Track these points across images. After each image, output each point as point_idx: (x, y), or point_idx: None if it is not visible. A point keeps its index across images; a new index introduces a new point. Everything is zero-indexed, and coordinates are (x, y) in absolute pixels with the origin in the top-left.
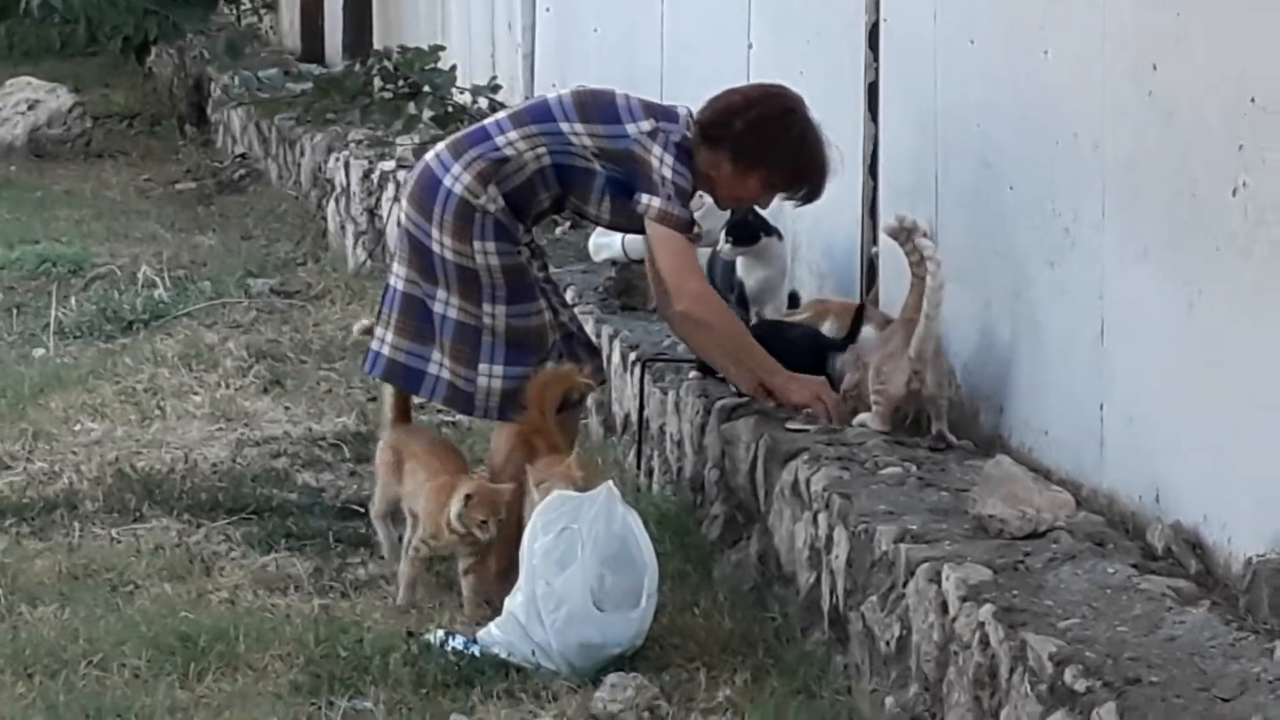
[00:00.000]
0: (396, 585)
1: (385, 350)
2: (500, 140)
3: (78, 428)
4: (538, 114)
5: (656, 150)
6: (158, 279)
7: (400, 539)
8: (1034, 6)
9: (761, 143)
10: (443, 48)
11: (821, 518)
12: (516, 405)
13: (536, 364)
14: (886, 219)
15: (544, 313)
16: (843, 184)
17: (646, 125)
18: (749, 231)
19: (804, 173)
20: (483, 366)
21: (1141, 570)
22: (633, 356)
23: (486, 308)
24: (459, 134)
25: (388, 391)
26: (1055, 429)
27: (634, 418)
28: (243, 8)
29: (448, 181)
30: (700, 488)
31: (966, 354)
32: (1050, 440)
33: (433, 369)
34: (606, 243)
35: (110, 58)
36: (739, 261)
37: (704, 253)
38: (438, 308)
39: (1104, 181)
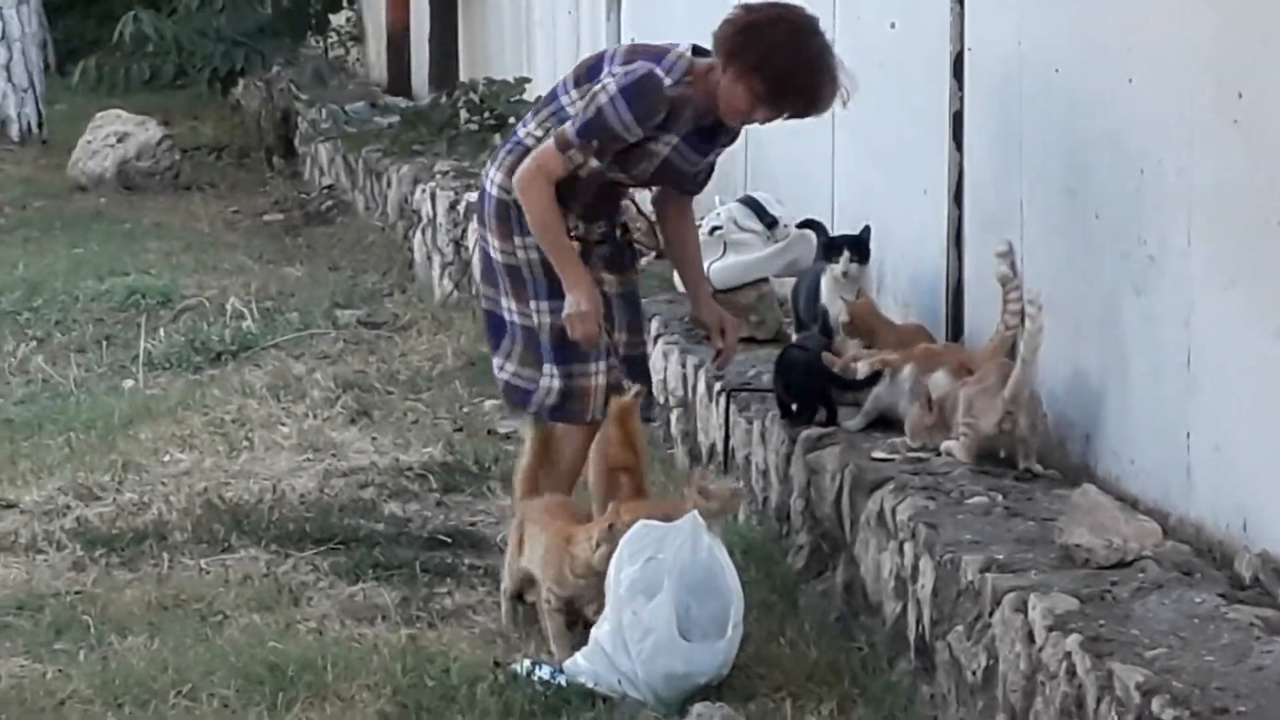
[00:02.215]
0: (549, 641)
1: (501, 375)
2: (522, 133)
3: (167, 459)
4: (549, 97)
5: (607, 79)
6: (246, 310)
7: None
8: (1118, 34)
9: (747, 46)
10: (528, 80)
11: (907, 547)
12: (565, 407)
13: (581, 363)
14: (999, 266)
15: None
16: (928, 213)
17: (619, 69)
18: (866, 248)
19: (789, 82)
20: (545, 368)
21: (1229, 599)
22: (718, 386)
23: (533, 304)
24: None
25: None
26: (1142, 458)
27: (719, 447)
28: (330, 40)
29: (488, 186)
30: (786, 517)
31: (1053, 383)
32: (1137, 469)
33: (501, 374)
34: None
35: (198, 90)
36: (824, 285)
37: (790, 279)
38: (504, 314)
39: (1190, 209)
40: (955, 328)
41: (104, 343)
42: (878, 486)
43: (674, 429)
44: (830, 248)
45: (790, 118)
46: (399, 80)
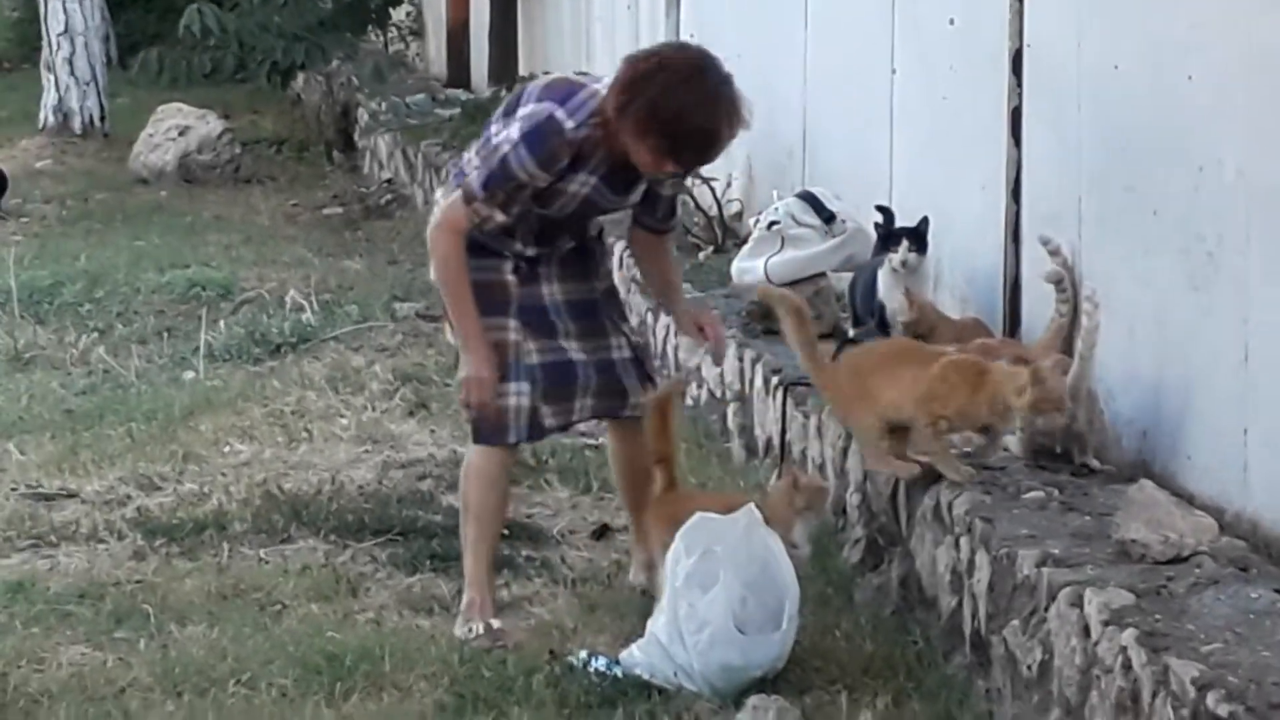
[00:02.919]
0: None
1: None
2: (465, 159)
3: (226, 449)
4: (487, 124)
5: (513, 126)
6: (305, 303)
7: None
8: (1177, 31)
9: (631, 105)
10: (587, 74)
11: (963, 542)
12: (483, 427)
13: (498, 382)
14: (1051, 270)
15: (507, 332)
16: (986, 208)
17: (530, 107)
18: (924, 239)
19: (681, 136)
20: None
21: None
22: (775, 380)
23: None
24: None
25: None
26: (1199, 454)
27: (776, 441)
28: (390, 35)
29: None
30: (842, 511)
31: (1110, 379)
32: (1194, 465)
33: None
34: (749, 267)
35: (258, 84)
36: (881, 280)
37: (847, 274)
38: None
39: (1248, 207)
40: (1013, 323)
41: (164, 334)
42: (934, 481)
43: (730, 423)
44: (888, 238)
45: (696, 165)
46: (458, 75)
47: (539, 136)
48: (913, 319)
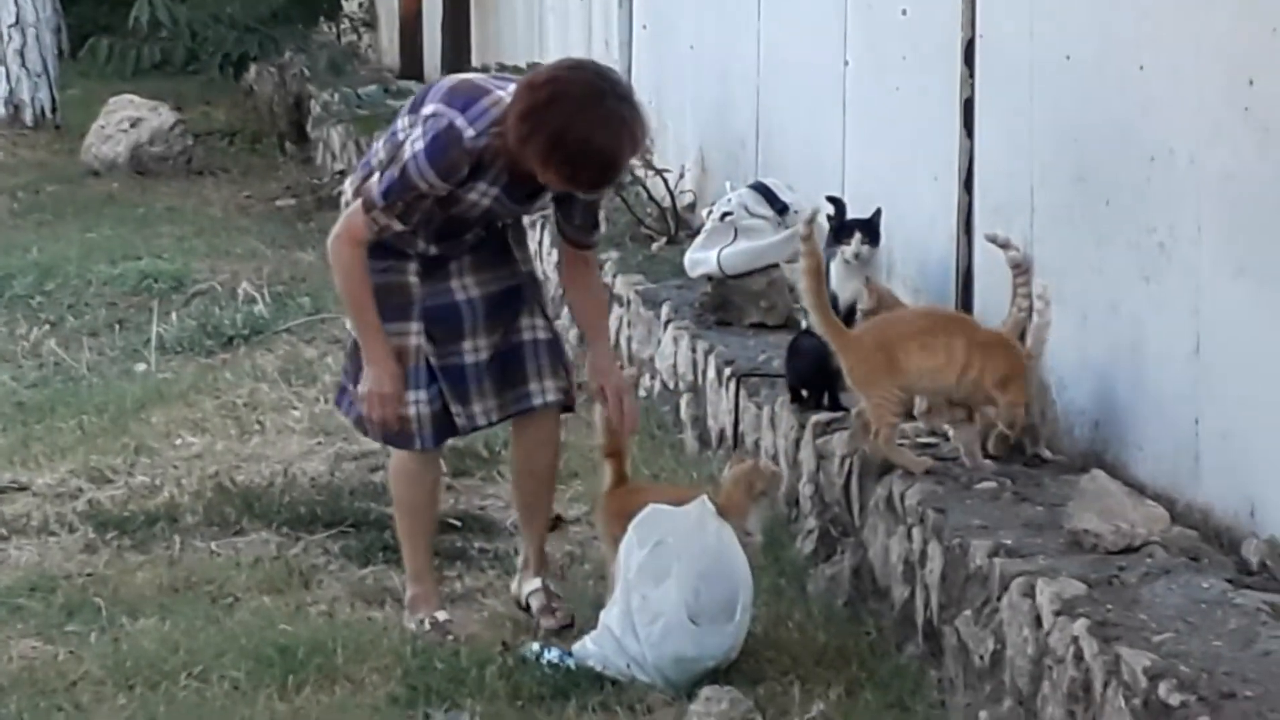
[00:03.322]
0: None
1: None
2: (370, 152)
3: (178, 442)
4: (394, 117)
5: (415, 134)
6: (258, 295)
7: None
8: (1129, 21)
9: (530, 136)
10: (499, 72)
11: (916, 532)
12: (387, 429)
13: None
14: (1012, 253)
15: (408, 337)
16: (939, 199)
17: (431, 108)
18: (877, 231)
19: (579, 165)
20: (361, 385)
21: (1236, 585)
22: (728, 371)
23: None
24: None
25: None
26: (1150, 444)
27: (729, 432)
28: (342, 26)
29: (345, 197)
30: (795, 502)
31: (1062, 369)
32: (1145, 455)
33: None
34: (702, 258)
35: (210, 75)
36: (833, 271)
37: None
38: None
39: (1200, 197)
40: (964, 312)
41: (116, 327)
42: (886, 472)
43: (684, 414)
44: (841, 230)
45: (597, 188)
46: (411, 66)
47: (438, 146)
48: (872, 307)
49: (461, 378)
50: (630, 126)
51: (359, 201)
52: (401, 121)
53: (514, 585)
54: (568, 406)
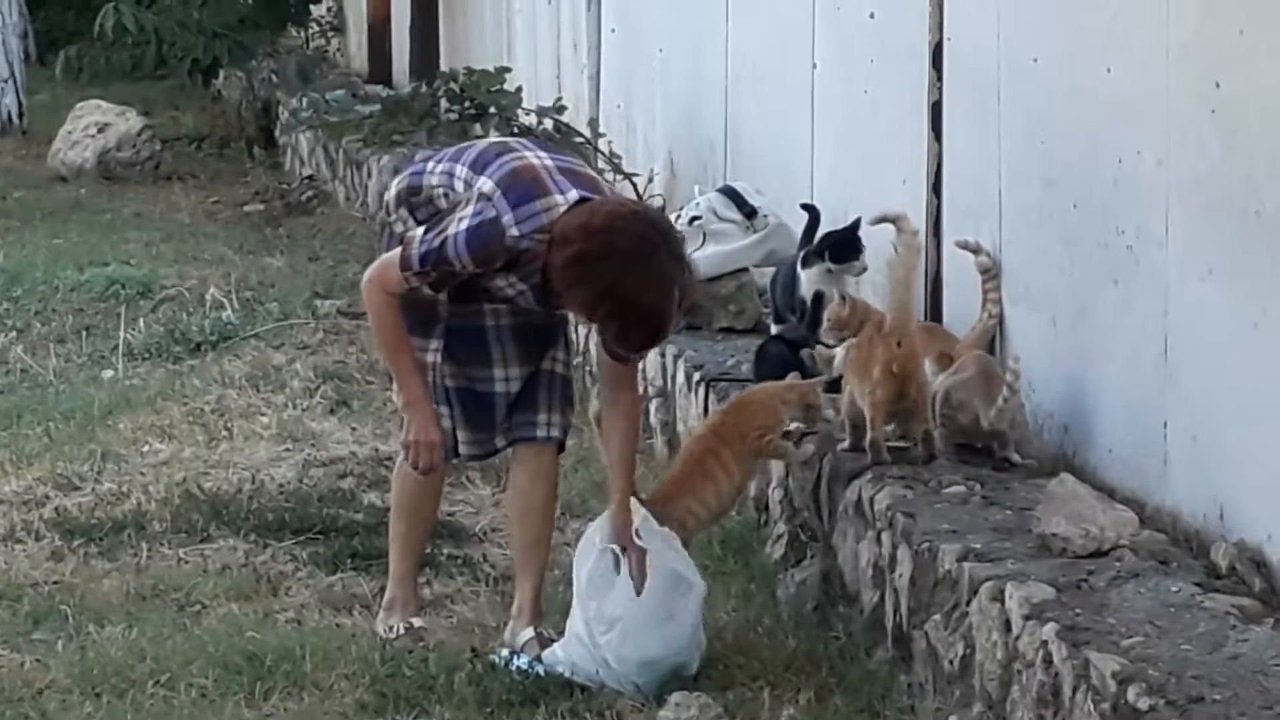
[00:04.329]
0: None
1: None
2: (428, 166)
3: (146, 449)
4: (456, 153)
5: (467, 211)
6: (226, 301)
7: None
8: (1096, 24)
9: (579, 284)
10: (509, 69)
11: (885, 536)
12: (403, 441)
13: None
14: (982, 258)
15: (427, 353)
16: (907, 202)
17: (488, 186)
18: (850, 248)
19: (628, 324)
20: (394, 389)
21: (1205, 589)
22: (697, 376)
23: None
24: None
25: None
26: (1119, 447)
27: None
28: (310, 31)
29: (387, 194)
30: (764, 507)
31: (1030, 372)
32: (1114, 458)
33: None
34: None
35: (178, 81)
36: (804, 277)
37: (768, 270)
38: None
39: (1168, 199)
40: (934, 317)
41: (83, 333)
42: (855, 476)
43: (653, 419)
44: (835, 249)
45: (643, 349)
46: (379, 70)
47: (479, 235)
48: (845, 315)
49: (489, 405)
50: (680, 285)
51: (397, 255)
52: (462, 169)
53: (507, 633)
54: (561, 445)
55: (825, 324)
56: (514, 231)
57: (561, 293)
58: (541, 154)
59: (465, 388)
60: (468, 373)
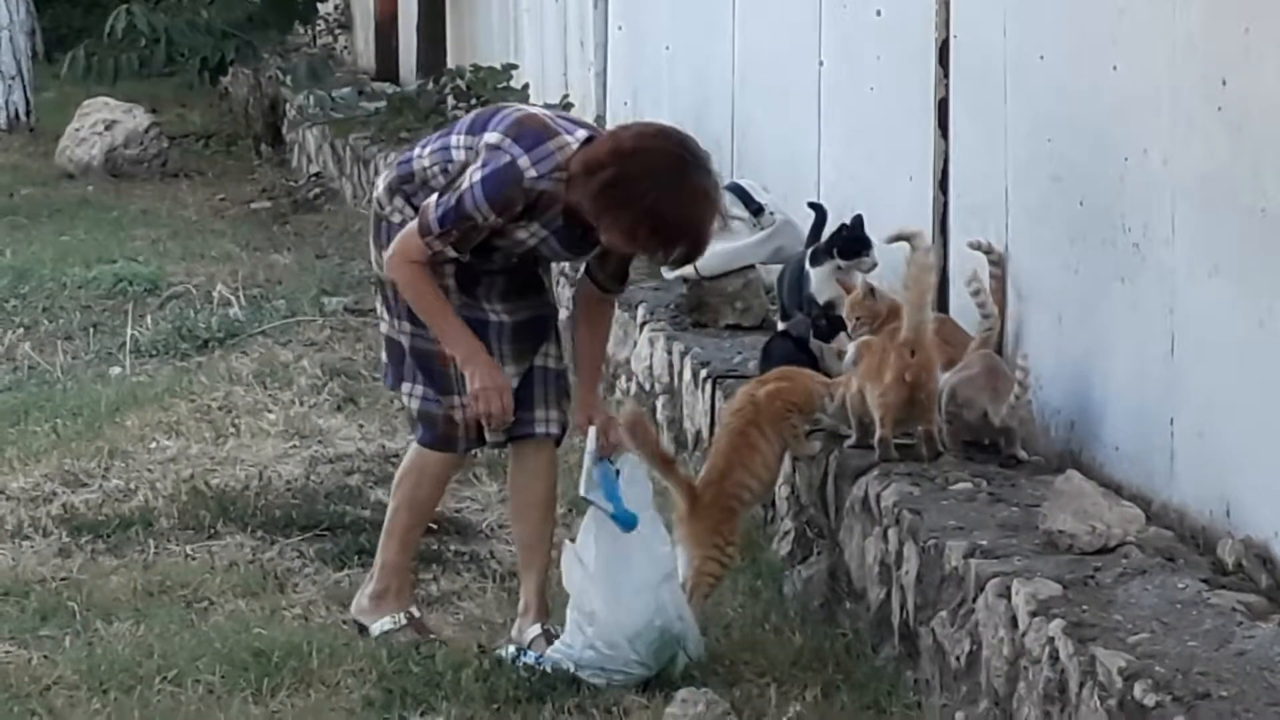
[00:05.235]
0: None
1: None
2: (415, 152)
3: (153, 445)
4: (448, 129)
5: (476, 164)
6: (233, 298)
7: None
8: (1103, 22)
9: (616, 207)
10: (515, 66)
11: (892, 533)
12: (430, 431)
13: (440, 394)
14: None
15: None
16: (914, 199)
17: (494, 137)
18: (858, 243)
19: (667, 240)
20: (405, 385)
21: (1211, 585)
22: (704, 373)
23: (396, 323)
24: None
25: None
26: (1126, 444)
27: (705, 434)
28: (318, 29)
29: (375, 195)
30: (771, 504)
31: (1037, 369)
32: (1121, 455)
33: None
34: None
35: (186, 78)
36: (814, 276)
37: (775, 267)
38: (381, 324)
39: (1174, 197)
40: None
41: (91, 330)
42: (862, 473)
43: (660, 415)
44: (845, 246)
45: (682, 263)
46: (386, 67)
47: (496, 181)
48: (873, 306)
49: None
50: (714, 199)
51: (415, 225)
52: (457, 138)
53: (514, 630)
54: (559, 440)
55: (848, 311)
56: (532, 173)
57: (599, 222)
58: (537, 106)
59: None
60: None
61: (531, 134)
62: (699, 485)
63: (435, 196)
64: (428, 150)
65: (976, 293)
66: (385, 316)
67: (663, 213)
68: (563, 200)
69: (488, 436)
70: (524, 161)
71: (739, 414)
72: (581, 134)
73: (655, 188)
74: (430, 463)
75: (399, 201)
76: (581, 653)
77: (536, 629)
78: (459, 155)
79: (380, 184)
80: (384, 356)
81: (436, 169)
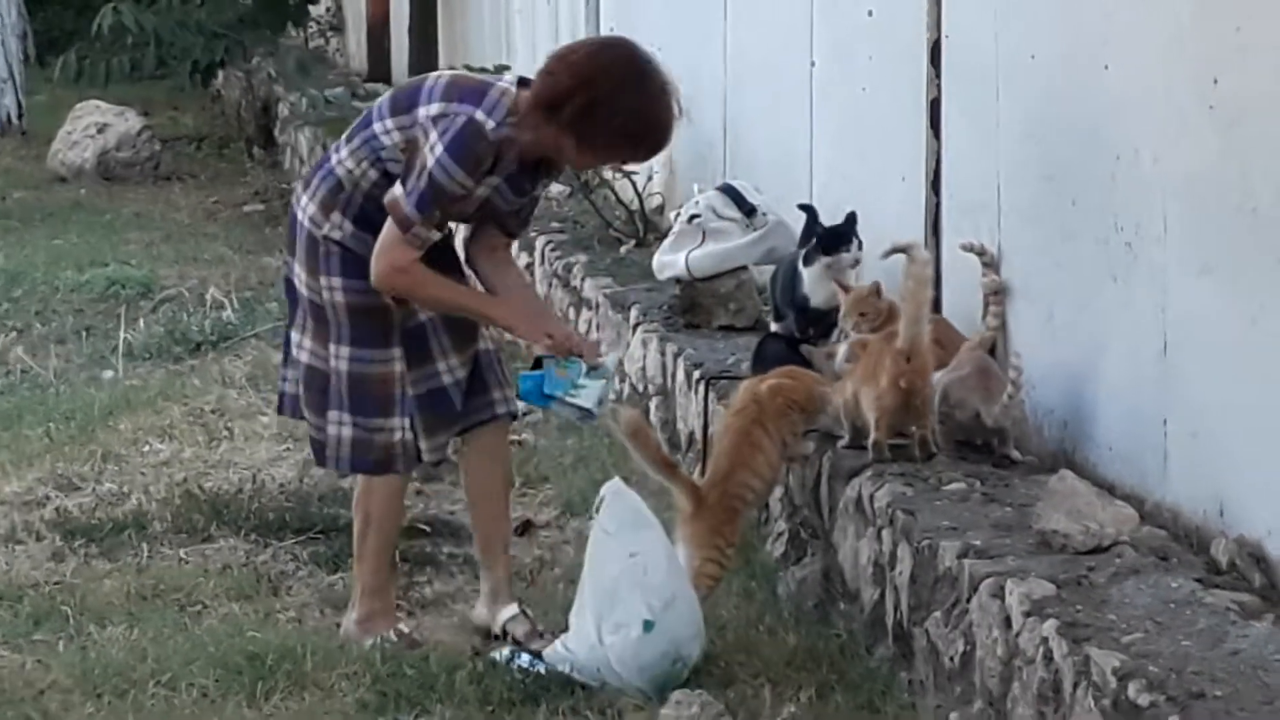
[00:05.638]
0: None
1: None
2: (334, 159)
3: (146, 449)
4: (363, 121)
5: (431, 138)
6: (225, 300)
7: None
8: (1094, 21)
9: (580, 117)
10: (508, 67)
11: (885, 534)
12: (366, 458)
13: (375, 417)
14: (990, 279)
15: (392, 363)
16: (906, 200)
17: (435, 108)
18: (840, 239)
19: (629, 141)
20: (332, 414)
21: (1205, 585)
22: (697, 374)
23: (332, 349)
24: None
25: None
26: (1119, 444)
27: (698, 435)
28: (310, 30)
29: (299, 214)
30: (764, 505)
31: (1030, 369)
32: (1114, 455)
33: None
34: (670, 260)
35: (178, 81)
36: (807, 277)
37: (768, 268)
38: (295, 351)
39: (1165, 196)
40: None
41: (83, 333)
42: (856, 474)
43: (653, 417)
44: (830, 240)
45: (650, 156)
46: (379, 69)
47: (460, 143)
48: (877, 304)
49: (448, 399)
50: (671, 87)
51: (390, 230)
52: (380, 124)
53: (479, 613)
54: (514, 415)
55: (848, 307)
56: (490, 124)
57: (574, 149)
58: (457, 70)
59: (423, 392)
60: (419, 373)
61: (471, 90)
62: (703, 486)
63: (398, 189)
64: (345, 153)
65: (993, 294)
66: (307, 345)
67: (639, 121)
68: (518, 144)
69: (424, 457)
70: (480, 115)
71: (742, 413)
72: (510, 77)
73: (628, 100)
74: (376, 486)
75: (336, 216)
76: (586, 659)
77: (514, 608)
78: (389, 139)
79: (311, 204)
80: (288, 387)
81: (365, 165)
